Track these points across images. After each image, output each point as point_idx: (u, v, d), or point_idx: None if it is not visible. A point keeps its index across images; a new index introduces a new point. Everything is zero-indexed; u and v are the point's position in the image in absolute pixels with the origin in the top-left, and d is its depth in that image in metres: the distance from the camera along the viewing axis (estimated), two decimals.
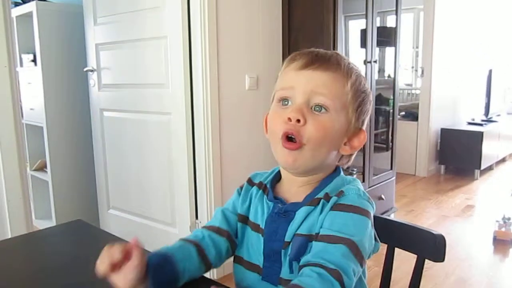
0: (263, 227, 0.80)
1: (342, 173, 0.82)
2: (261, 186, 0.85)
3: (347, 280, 0.64)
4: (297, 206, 0.77)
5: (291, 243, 0.75)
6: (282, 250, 0.76)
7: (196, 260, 0.78)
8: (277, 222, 0.78)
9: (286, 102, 0.76)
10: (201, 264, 0.79)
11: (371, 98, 0.82)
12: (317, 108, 0.74)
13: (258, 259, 0.80)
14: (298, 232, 0.75)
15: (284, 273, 0.76)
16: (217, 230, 0.83)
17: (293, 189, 0.81)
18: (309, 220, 0.75)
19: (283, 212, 0.78)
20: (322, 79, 0.75)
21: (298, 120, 0.72)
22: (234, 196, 0.88)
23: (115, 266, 0.68)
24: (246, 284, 0.82)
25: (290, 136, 0.73)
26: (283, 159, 0.76)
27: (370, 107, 0.82)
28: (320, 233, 0.71)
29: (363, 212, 0.73)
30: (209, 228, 0.84)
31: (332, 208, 0.73)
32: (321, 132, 0.73)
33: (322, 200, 0.75)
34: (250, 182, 0.87)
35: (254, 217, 0.82)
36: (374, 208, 0.77)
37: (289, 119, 0.73)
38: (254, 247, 0.81)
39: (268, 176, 0.86)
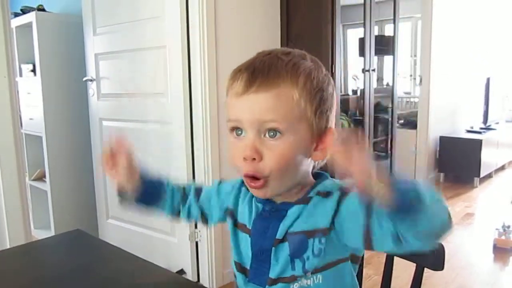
0: (249, 227, 0.79)
1: (327, 176, 0.80)
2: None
3: None
4: (288, 205, 0.76)
5: (287, 242, 0.74)
6: (273, 248, 0.75)
7: (177, 198, 0.90)
8: (268, 219, 0.77)
9: (240, 132, 0.72)
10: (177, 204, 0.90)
11: (331, 88, 0.76)
12: (271, 133, 0.70)
13: (247, 261, 0.79)
14: (291, 230, 0.74)
15: (273, 272, 0.75)
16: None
17: (282, 195, 0.78)
18: (303, 217, 0.74)
19: (275, 210, 0.77)
20: (266, 103, 0.69)
21: (254, 158, 0.70)
22: (227, 187, 0.88)
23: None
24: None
25: (251, 175, 0.71)
26: (253, 193, 0.76)
27: (332, 99, 0.76)
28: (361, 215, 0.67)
29: None
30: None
31: (342, 198, 0.72)
32: (281, 162, 0.70)
33: (315, 197, 0.74)
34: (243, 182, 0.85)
35: (242, 218, 0.82)
36: None
37: (245, 159, 0.71)
38: (244, 249, 0.80)
39: None
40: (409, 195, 0.57)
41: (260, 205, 0.79)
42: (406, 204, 0.57)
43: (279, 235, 0.75)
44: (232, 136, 0.74)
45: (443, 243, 0.88)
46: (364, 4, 2.86)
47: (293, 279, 0.74)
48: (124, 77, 2.59)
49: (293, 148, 0.71)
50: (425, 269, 0.91)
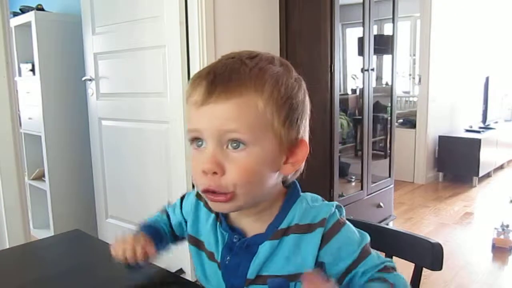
0: (219, 260, 0.74)
1: (299, 190, 0.74)
2: (212, 210, 0.76)
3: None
4: (259, 238, 0.70)
5: (267, 285, 0.69)
6: (244, 287, 0.71)
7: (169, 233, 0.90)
8: (239, 256, 0.71)
9: (200, 143, 0.66)
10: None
11: (301, 95, 0.69)
12: (234, 144, 0.63)
13: None
14: (264, 272, 0.69)
15: None
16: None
17: (249, 218, 0.72)
18: (276, 258, 0.69)
19: (245, 246, 0.71)
20: (227, 112, 0.62)
21: (215, 172, 0.63)
22: (176, 208, 0.87)
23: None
24: None
25: (212, 190, 0.65)
26: (216, 209, 0.70)
27: (304, 106, 0.69)
28: (344, 267, 0.68)
29: (344, 222, 0.71)
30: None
31: (325, 238, 0.68)
32: (245, 176, 0.63)
33: (292, 235, 0.69)
34: (198, 195, 0.79)
35: (208, 245, 0.76)
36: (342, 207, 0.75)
37: (204, 172, 0.64)
38: (213, 277, 0.75)
39: None
40: None
41: (225, 234, 0.74)
42: None
43: (250, 275, 0.70)
44: (192, 147, 0.68)
45: (441, 242, 0.89)
46: (363, 3, 2.86)
47: None
48: (123, 76, 2.59)
49: (259, 160, 0.64)
50: (424, 268, 0.91)
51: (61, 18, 2.98)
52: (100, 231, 2.89)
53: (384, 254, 0.98)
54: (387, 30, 3.62)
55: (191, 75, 2.28)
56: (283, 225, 0.69)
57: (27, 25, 2.87)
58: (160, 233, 0.87)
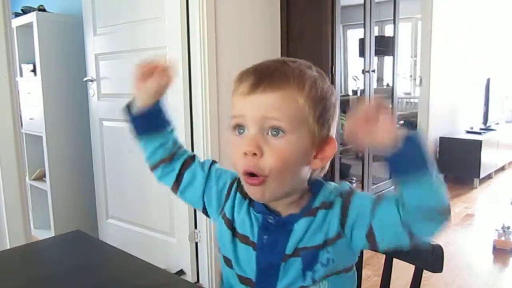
0: (254, 240, 0.78)
1: (320, 180, 0.80)
2: (246, 195, 0.80)
3: None
4: (294, 217, 0.75)
5: (300, 257, 0.74)
6: (282, 263, 0.75)
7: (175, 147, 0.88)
8: (275, 234, 0.76)
9: (242, 130, 0.72)
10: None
11: (334, 99, 0.76)
12: (274, 132, 0.70)
13: (250, 273, 0.78)
14: (301, 245, 0.74)
15: (281, 285, 0.75)
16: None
17: (282, 206, 0.77)
18: (311, 231, 0.74)
19: (281, 224, 0.76)
20: (271, 102, 0.70)
21: (255, 154, 0.69)
22: (228, 177, 0.85)
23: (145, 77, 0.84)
24: None
25: (250, 172, 0.71)
26: (250, 193, 0.75)
27: (335, 109, 0.77)
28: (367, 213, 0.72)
29: (355, 189, 0.78)
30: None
31: (344, 204, 0.74)
32: (281, 161, 0.70)
33: (320, 211, 0.75)
34: (239, 183, 0.82)
35: (242, 229, 0.80)
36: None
37: (245, 154, 0.70)
38: (244, 260, 0.79)
39: None
40: (420, 151, 0.64)
41: (259, 216, 0.78)
42: (415, 160, 0.64)
43: (288, 251, 0.75)
44: (233, 134, 0.74)
45: (442, 244, 0.89)
46: (364, 4, 2.86)
47: None
48: (124, 77, 2.58)
49: (295, 149, 0.70)
50: (425, 270, 0.91)
51: (62, 19, 2.98)
52: (100, 231, 2.89)
53: (385, 255, 0.99)
54: (388, 31, 3.63)
55: (192, 77, 2.29)
56: (316, 204, 0.76)
57: (29, 25, 2.87)
58: (164, 117, 0.87)
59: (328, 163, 0.78)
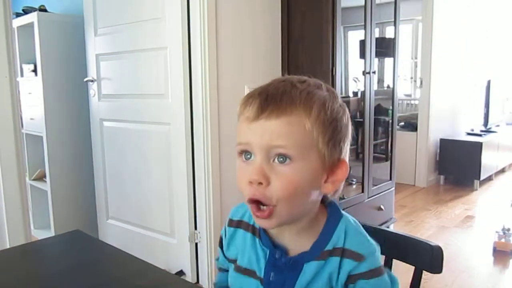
0: (261, 276, 0.76)
1: (340, 210, 0.77)
2: (249, 228, 0.79)
3: None
4: (305, 257, 0.73)
5: None
6: None
7: None
8: (283, 274, 0.73)
9: (249, 156, 0.70)
10: None
11: (345, 119, 0.73)
12: (280, 159, 0.67)
13: None
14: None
15: None
16: None
17: (291, 234, 0.75)
18: (319, 275, 0.72)
19: (291, 263, 0.73)
20: (277, 129, 0.67)
21: (260, 183, 0.67)
22: (220, 255, 0.87)
23: None
24: None
25: (257, 200, 0.68)
26: (258, 223, 0.73)
27: (347, 130, 0.73)
28: None
29: (383, 271, 0.73)
30: None
31: (356, 277, 0.71)
32: (289, 189, 0.67)
33: (332, 257, 0.72)
34: (232, 223, 0.83)
35: (248, 264, 0.78)
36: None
37: (251, 182, 0.68)
38: None
39: None
40: None
41: (266, 250, 0.76)
42: None
43: None
44: (240, 159, 0.71)
45: (442, 245, 0.89)
46: (365, 6, 2.86)
47: None
48: (125, 78, 2.60)
49: (303, 175, 0.68)
50: (425, 272, 0.91)
51: (63, 19, 2.98)
52: (100, 232, 2.89)
53: (385, 256, 0.98)
54: (389, 33, 3.62)
55: (193, 77, 2.29)
56: (329, 247, 0.72)
57: (30, 25, 2.87)
58: None
59: (342, 186, 0.75)
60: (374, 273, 0.71)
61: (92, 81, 2.74)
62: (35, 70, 2.96)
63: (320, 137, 0.68)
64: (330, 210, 0.75)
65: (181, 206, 2.41)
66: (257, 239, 0.77)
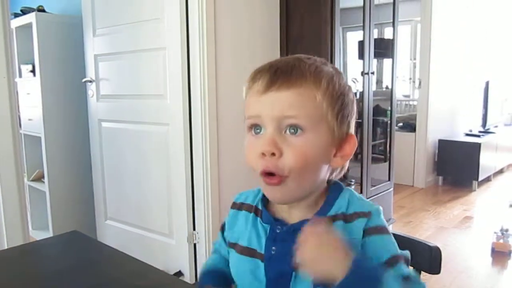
0: (262, 252, 0.74)
1: (343, 185, 0.77)
2: (251, 209, 0.79)
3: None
4: (305, 224, 0.70)
5: None
6: (293, 272, 0.70)
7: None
8: (286, 242, 0.70)
9: (258, 130, 0.70)
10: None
11: (352, 95, 0.74)
12: (292, 130, 0.67)
13: (259, 286, 0.74)
14: None
15: None
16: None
17: (293, 210, 0.74)
18: None
19: (292, 231, 0.71)
20: (288, 99, 0.67)
21: (273, 154, 0.67)
22: (221, 239, 0.86)
23: None
24: None
25: (269, 172, 0.68)
26: (269, 195, 0.72)
27: (353, 105, 0.75)
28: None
29: (390, 232, 0.73)
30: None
31: (366, 232, 0.70)
32: (301, 160, 0.67)
33: (338, 222, 0.71)
34: (235, 205, 0.83)
35: (248, 243, 0.77)
36: None
37: (263, 154, 0.68)
38: (249, 275, 0.75)
39: (256, 195, 0.80)
40: (369, 271, 0.61)
41: (267, 226, 0.75)
42: (366, 280, 0.61)
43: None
44: (250, 134, 0.72)
45: (440, 246, 0.89)
46: (364, 7, 2.86)
47: None
48: (123, 78, 2.59)
49: (314, 147, 0.68)
50: (423, 272, 0.91)
51: (62, 20, 2.98)
52: (99, 232, 2.89)
53: None
54: (388, 33, 3.63)
55: (191, 77, 2.29)
56: (331, 213, 0.72)
57: (28, 26, 2.87)
58: (223, 274, 0.83)
59: (348, 162, 0.76)
60: (383, 230, 0.71)
61: (90, 81, 2.74)
62: (33, 71, 2.96)
63: (329, 109, 0.69)
64: (333, 186, 0.76)
65: (180, 207, 2.41)
66: (258, 218, 0.77)
